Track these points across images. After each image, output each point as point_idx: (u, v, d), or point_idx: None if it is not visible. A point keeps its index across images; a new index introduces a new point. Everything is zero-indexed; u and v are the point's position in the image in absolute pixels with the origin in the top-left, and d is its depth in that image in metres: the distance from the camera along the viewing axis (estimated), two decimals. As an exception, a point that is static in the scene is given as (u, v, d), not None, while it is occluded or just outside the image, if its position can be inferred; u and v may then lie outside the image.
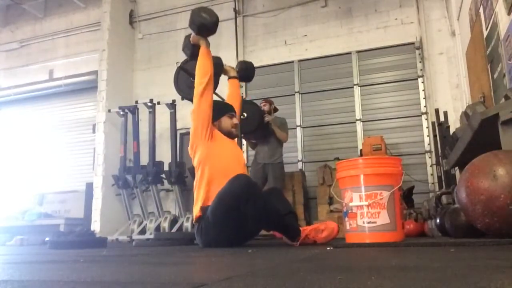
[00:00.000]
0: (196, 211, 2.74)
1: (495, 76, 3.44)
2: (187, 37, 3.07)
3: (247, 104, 4.78)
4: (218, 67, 3.33)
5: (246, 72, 3.68)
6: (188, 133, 5.54)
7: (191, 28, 2.87)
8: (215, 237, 2.59)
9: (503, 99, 2.60)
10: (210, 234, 2.61)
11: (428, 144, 5.32)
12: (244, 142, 5.92)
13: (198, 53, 2.92)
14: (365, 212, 2.35)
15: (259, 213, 2.52)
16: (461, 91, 5.19)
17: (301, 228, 2.66)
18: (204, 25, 2.84)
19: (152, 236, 4.94)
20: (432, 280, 0.82)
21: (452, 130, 3.79)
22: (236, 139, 3.24)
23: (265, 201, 2.56)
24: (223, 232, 2.56)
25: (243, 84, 6.34)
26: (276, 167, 4.70)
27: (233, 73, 3.48)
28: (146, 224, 5.53)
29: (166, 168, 5.76)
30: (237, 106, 3.28)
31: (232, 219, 2.51)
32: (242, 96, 6.20)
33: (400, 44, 5.71)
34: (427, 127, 5.37)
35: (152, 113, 5.97)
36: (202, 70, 2.87)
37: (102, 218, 5.94)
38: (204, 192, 2.74)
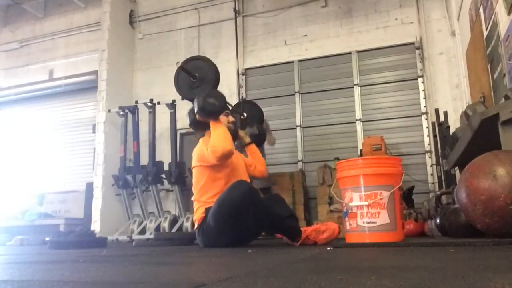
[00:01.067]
0: (199, 212, 2.74)
1: (495, 76, 3.44)
2: (191, 113, 2.98)
3: (247, 104, 4.78)
4: (234, 134, 3.14)
5: (259, 137, 3.57)
6: (188, 133, 5.56)
7: (199, 114, 2.83)
8: (215, 240, 2.61)
9: (503, 99, 2.60)
10: (211, 237, 2.63)
11: (428, 144, 5.32)
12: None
13: (207, 124, 2.85)
14: (365, 212, 2.35)
15: (260, 218, 2.54)
16: (461, 91, 5.19)
17: (302, 229, 2.66)
18: (214, 112, 2.81)
19: (152, 236, 4.94)
20: (432, 280, 0.82)
21: (452, 130, 3.79)
22: (236, 140, 3.23)
23: (266, 207, 2.57)
24: (223, 236, 2.58)
25: (243, 84, 6.34)
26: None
27: (247, 140, 3.31)
28: (146, 224, 5.53)
29: (166, 168, 5.76)
30: (263, 169, 3.20)
31: (232, 225, 2.52)
32: (242, 96, 6.21)
33: (400, 44, 5.71)
34: (427, 127, 5.37)
35: (152, 113, 5.97)
36: (224, 138, 2.72)
37: (102, 218, 5.94)
38: (204, 192, 2.75)
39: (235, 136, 3.06)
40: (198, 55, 5.00)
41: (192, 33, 6.78)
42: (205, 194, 2.76)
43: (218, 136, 2.71)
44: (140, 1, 7.24)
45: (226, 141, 2.70)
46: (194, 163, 2.86)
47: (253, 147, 3.30)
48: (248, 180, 2.91)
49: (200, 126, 2.95)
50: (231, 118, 3.04)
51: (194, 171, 2.87)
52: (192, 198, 2.88)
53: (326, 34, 6.10)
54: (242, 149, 3.38)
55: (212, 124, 2.80)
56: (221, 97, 2.85)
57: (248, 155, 3.28)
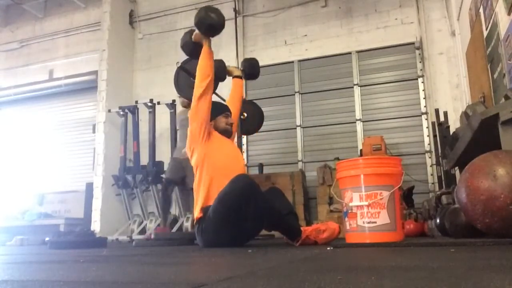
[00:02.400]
0: (197, 211, 2.74)
1: (495, 76, 3.44)
2: (187, 33, 3.00)
3: (247, 104, 4.78)
4: (221, 71, 3.29)
5: (251, 69, 3.62)
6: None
7: (198, 27, 2.82)
8: (215, 237, 2.60)
9: (503, 99, 2.60)
10: (211, 234, 2.61)
11: (428, 144, 5.32)
12: (244, 141, 5.92)
13: (199, 52, 2.87)
14: (365, 212, 2.35)
15: (260, 213, 2.53)
16: (461, 91, 5.19)
17: (302, 229, 2.66)
18: (213, 25, 2.80)
19: (152, 236, 4.94)
20: (432, 280, 0.82)
21: (452, 130, 3.79)
22: (235, 138, 3.25)
23: (266, 201, 2.57)
24: (223, 232, 2.56)
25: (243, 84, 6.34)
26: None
27: (237, 72, 3.45)
28: (146, 224, 5.53)
29: (166, 168, 5.75)
30: (237, 107, 3.28)
31: (233, 219, 2.51)
32: (242, 96, 6.20)
33: (400, 44, 5.71)
34: (427, 127, 5.37)
35: (152, 113, 5.97)
36: (203, 71, 2.83)
37: (102, 218, 5.94)
38: (204, 192, 2.74)
39: (231, 133, 3.08)
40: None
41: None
42: (205, 191, 2.73)
43: (201, 68, 2.83)
44: (140, 1, 7.24)
45: (204, 75, 2.81)
46: (189, 151, 2.85)
47: (239, 81, 3.45)
48: (245, 172, 2.93)
49: (193, 48, 2.96)
50: (230, 120, 3.05)
51: (192, 161, 2.86)
52: (193, 186, 2.87)
53: (326, 34, 6.10)
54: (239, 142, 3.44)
55: (203, 51, 2.84)
56: (222, 15, 2.86)
57: (232, 87, 3.43)
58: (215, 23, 2.80)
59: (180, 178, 4.67)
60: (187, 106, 4.52)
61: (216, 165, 2.76)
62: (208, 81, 2.79)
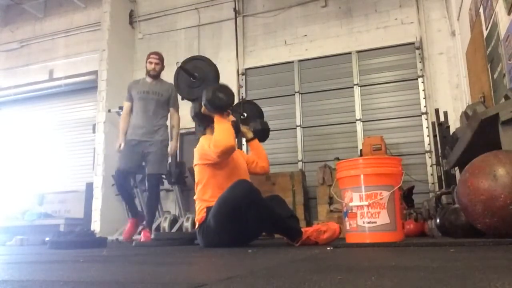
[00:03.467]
0: (200, 211, 2.74)
1: (495, 76, 3.44)
2: (197, 104, 2.96)
3: (247, 104, 4.78)
4: (236, 131, 3.23)
5: (262, 133, 3.60)
6: (188, 133, 5.54)
7: (206, 107, 2.80)
8: (216, 239, 2.61)
9: (503, 99, 2.60)
10: (211, 236, 2.63)
11: (428, 144, 5.32)
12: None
13: (210, 120, 2.84)
14: (365, 212, 2.35)
15: (261, 218, 2.53)
16: (461, 91, 5.19)
17: (302, 229, 2.66)
18: (222, 106, 2.79)
19: (152, 236, 4.94)
20: (432, 280, 0.82)
21: (452, 130, 3.79)
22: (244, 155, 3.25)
23: (267, 206, 2.57)
24: (224, 236, 2.57)
25: (243, 84, 6.34)
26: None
27: (250, 135, 3.36)
28: (146, 224, 5.52)
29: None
30: (265, 165, 3.26)
31: (233, 224, 2.52)
32: (242, 96, 6.21)
33: (400, 44, 5.71)
34: (427, 127, 5.37)
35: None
36: (227, 133, 2.70)
37: (102, 218, 5.93)
38: (206, 194, 2.75)
39: (237, 132, 3.07)
40: (198, 55, 5.00)
41: (192, 33, 6.78)
42: (206, 193, 2.76)
43: (222, 131, 2.70)
44: (140, 1, 7.24)
45: (229, 137, 2.69)
46: (195, 161, 2.86)
47: (256, 142, 3.34)
48: (249, 179, 2.91)
49: (203, 119, 2.94)
50: (231, 118, 3.05)
51: (195, 169, 2.87)
52: (194, 197, 2.88)
53: (326, 34, 6.10)
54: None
55: (216, 119, 2.78)
56: (231, 93, 2.84)
57: (251, 151, 3.32)
58: (223, 104, 2.78)
59: (137, 167, 4.27)
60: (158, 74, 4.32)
61: (220, 171, 2.78)
62: (232, 149, 2.71)
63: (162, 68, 4.38)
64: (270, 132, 5.32)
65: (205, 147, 2.76)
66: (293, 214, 2.89)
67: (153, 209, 4.27)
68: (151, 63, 4.31)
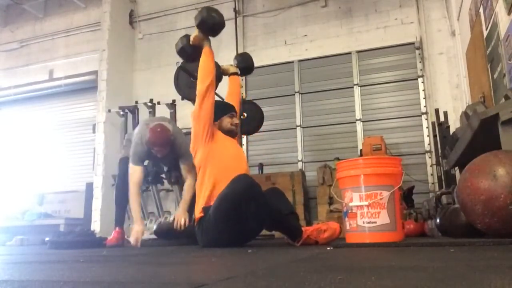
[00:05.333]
0: (198, 211, 2.74)
1: (495, 76, 3.44)
2: (183, 38, 3.00)
3: (247, 104, 4.78)
4: (217, 71, 3.30)
5: (245, 63, 3.61)
6: (188, 133, 5.52)
7: (200, 27, 2.83)
8: (216, 237, 2.59)
9: (503, 99, 2.60)
10: (211, 234, 2.61)
11: (428, 144, 5.32)
12: (244, 141, 5.92)
13: (198, 55, 2.88)
14: (365, 212, 2.35)
15: (261, 213, 2.53)
16: (461, 91, 5.19)
17: (303, 229, 2.66)
18: (216, 24, 2.84)
19: (152, 236, 4.94)
20: (432, 280, 0.82)
21: (452, 130, 3.79)
22: (236, 138, 3.24)
23: (267, 201, 2.57)
24: (224, 232, 2.56)
25: (243, 84, 6.34)
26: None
27: (233, 70, 3.48)
28: (146, 224, 5.52)
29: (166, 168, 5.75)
30: (236, 104, 3.28)
31: (233, 219, 2.51)
32: (242, 96, 6.20)
33: (400, 44, 5.71)
34: (427, 127, 5.37)
35: (152, 113, 5.96)
36: (206, 70, 2.84)
37: (102, 218, 5.93)
38: (206, 192, 2.74)
39: (235, 134, 3.08)
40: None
41: (192, 33, 6.76)
42: (204, 188, 2.73)
43: (204, 68, 2.83)
44: (140, 1, 7.24)
45: (208, 74, 2.82)
46: (193, 151, 2.85)
47: (236, 78, 3.48)
48: (248, 172, 2.92)
49: (191, 51, 2.96)
50: (235, 120, 3.04)
51: (195, 161, 2.85)
52: (195, 186, 2.86)
53: (326, 34, 6.10)
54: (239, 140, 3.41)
55: (204, 51, 2.86)
56: (222, 15, 2.89)
57: (228, 84, 3.43)
58: (218, 22, 2.84)
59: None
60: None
61: (218, 166, 2.76)
62: (211, 80, 2.80)
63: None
64: (270, 132, 5.36)
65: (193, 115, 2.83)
66: (293, 210, 2.88)
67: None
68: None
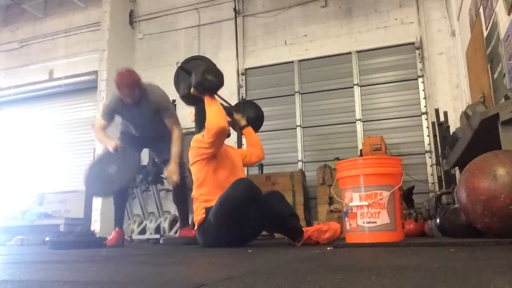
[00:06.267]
0: (199, 212, 2.74)
1: (495, 76, 3.44)
2: (185, 86, 2.93)
3: (247, 104, 4.77)
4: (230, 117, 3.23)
5: (256, 121, 3.55)
6: (188, 133, 5.53)
7: (196, 89, 2.78)
8: (216, 239, 2.61)
9: (503, 99, 2.60)
10: (212, 236, 2.62)
11: (428, 144, 5.32)
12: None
13: (200, 100, 2.82)
14: (365, 212, 2.35)
15: (261, 216, 2.54)
16: (461, 91, 5.19)
17: (303, 229, 2.66)
18: (212, 89, 2.77)
19: (154, 236, 4.95)
20: (432, 280, 0.82)
21: (452, 130, 3.79)
22: (240, 151, 3.26)
23: (267, 204, 2.57)
24: (224, 235, 2.57)
25: (243, 84, 6.34)
26: None
27: (243, 123, 3.37)
28: (146, 224, 5.53)
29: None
30: (260, 152, 3.28)
31: (234, 222, 2.51)
32: (242, 96, 6.21)
33: (400, 44, 5.71)
34: (427, 127, 5.37)
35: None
36: (219, 114, 2.67)
37: (102, 218, 5.93)
38: (205, 194, 2.75)
39: (228, 135, 3.08)
40: (198, 55, 5.00)
41: (192, 33, 6.78)
42: (204, 192, 2.75)
43: (213, 113, 2.68)
44: (140, 1, 7.24)
45: (220, 117, 2.67)
46: (191, 160, 2.86)
47: (250, 129, 3.36)
48: (245, 175, 2.92)
49: (193, 100, 2.92)
50: (227, 119, 3.05)
51: (192, 170, 2.87)
52: (192, 195, 2.86)
53: (326, 34, 6.10)
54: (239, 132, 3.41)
55: (207, 100, 2.75)
56: (220, 75, 2.81)
57: (245, 138, 3.34)
58: (213, 86, 2.76)
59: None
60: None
61: (216, 169, 2.78)
62: (224, 130, 2.67)
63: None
64: (270, 132, 5.35)
65: (199, 138, 2.77)
66: (293, 212, 2.89)
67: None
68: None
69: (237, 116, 3.34)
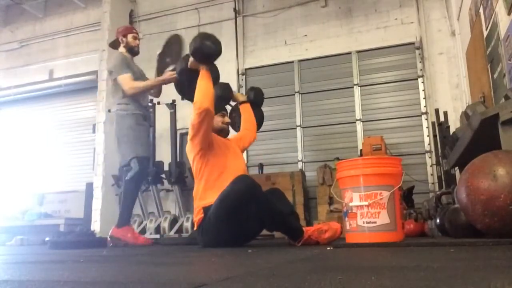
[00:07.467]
0: (197, 212, 2.74)
1: (495, 76, 3.44)
2: (183, 60, 2.93)
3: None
4: (227, 92, 3.23)
5: (256, 97, 3.54)
6: (188, 133, 5.45)
7: (195, 56, 2.76)
8: (216, 237, 2.60)
9: (503, 99, 2.60)
10: (211, 234, 2.61)
11: (428, 144, 5.32)
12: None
13: (196, 78, 2.79)
14: (365, 212, 2.35)
15: (261, 213, 2.53)
16: (461, 91, 5.19)
17: (304, 229, 2.66)
18: (209, 54, 2.76)
19: (152, 236, 4.94)
20: (432, 280, 0.82)
21: (452, 130, 3.79)
22: (235, 136, 3.25)
23: (267, 202, 2.57)
24: (224, 233, 2.56)
25: (243, 84, 6.34)
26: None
27: (242, 98, 3.40)
28: (146, 224, 5.53)
29: (166, 168, 5.75)
30: (253, 131, 3.27)
31: (234, 219, 2.51)
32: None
33: (400, 44, 5.71)
34: (427, 127, 5.37)
35: (152, 113, 5.96)
36: (205, 94, 2.67)
37: (102, 218, 5.93)
38: (205, 193, 2.74)
39: (227, 133, 3.09)
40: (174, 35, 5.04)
41: (192, 33, 6.71)
42: (203, 191, 2.74)
43: (202, 89, 2.68)
44: (140, 1, 7.24)
45: (206, 97, 2.65)
46: (190, 157, 2.85)
47: (247, 106, 3.36)
48: (246, 173, 2.92)
49: (188, 74, 2.86)
50: (226, 119, 3.05)
51: (193, 168, 2.86)
52: (193, 193, 2.86)
53: (326, 34, 6.10)
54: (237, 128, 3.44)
55: (201, 74, 2.74)
56: (218, 42, 2.80)
57: (241, 113, 3.33)
58: (211, 51, 2.75)
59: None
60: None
61: (217, 167, 2.77)
62: (206, 106, 2.64)
63: None
64: (270, 132, 5.35)
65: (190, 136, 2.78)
66: (293, 210, 2.88)
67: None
68: (135, 38, 4.39)
69: (236, 94, 3.42)
